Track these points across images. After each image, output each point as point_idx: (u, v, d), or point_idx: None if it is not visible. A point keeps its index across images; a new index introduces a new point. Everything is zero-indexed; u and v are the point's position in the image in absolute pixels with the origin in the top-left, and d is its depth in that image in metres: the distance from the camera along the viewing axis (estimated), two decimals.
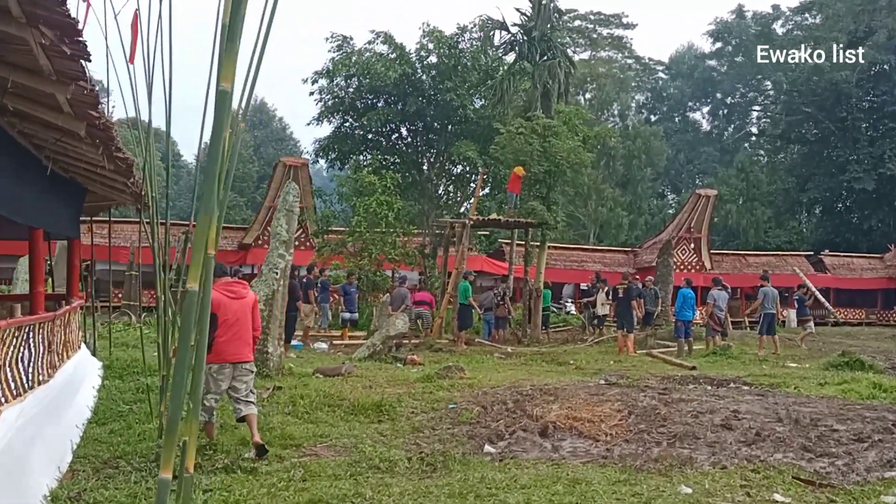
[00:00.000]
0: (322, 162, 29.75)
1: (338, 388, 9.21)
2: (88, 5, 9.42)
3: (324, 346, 16.55)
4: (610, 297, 19.30)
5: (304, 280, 18.07)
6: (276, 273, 10.51)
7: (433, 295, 20.36)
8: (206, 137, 2.98)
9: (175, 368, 2.70)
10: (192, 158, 60.47)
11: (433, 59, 27.30)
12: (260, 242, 30.15)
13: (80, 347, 9.13)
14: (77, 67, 3.91)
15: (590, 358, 15.82)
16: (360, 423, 7.78)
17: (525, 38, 24.28)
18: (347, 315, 19.08)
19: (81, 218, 10.21)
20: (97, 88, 4.50)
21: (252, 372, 6.85)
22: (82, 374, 8.15)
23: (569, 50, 28.52)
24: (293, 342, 16.56)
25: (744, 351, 17.18)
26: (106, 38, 5.92)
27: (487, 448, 6.92)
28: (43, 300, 6.99)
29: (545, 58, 23.66)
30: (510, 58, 26.43)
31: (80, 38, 3.56)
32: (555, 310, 24.51)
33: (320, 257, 22.89)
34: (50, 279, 10.69)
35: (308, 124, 36.72)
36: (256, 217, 31.12)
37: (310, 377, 10.33)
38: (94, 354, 10.19)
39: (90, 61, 3.81)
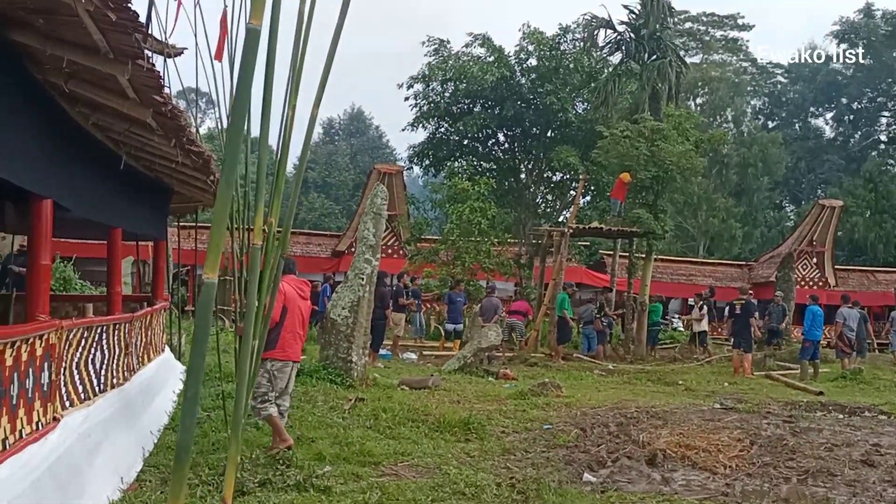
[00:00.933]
0: (417, 169, 29.65)
1: (423, 402, 8.76)
2: (179, 4, 9.36)
3: (413, 356, 16.21)
4: (726, 314, 18.07)
5: (395, 288, 17.78)
6: (363, 279, 10.20)
7: (529, 305, 19.64)
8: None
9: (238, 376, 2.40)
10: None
11: (533, 61, 26.73)
12: (353, 250, 30.23)
13: (163, 350, 9.09)
14: (131, 42, 3.62)
15: (701, 378, 14.77)
16: (446, 441, 7.29)
17: (633, 36, 23.27)
18: (451, 326, 18.01)
19: (170, 219, 10.26)
20: (160, 71, 4.23)
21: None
22: (164, 377, 8.05)
23: (680, 52, 27.16)
24: (381, 351, 16.31)
25: (876, 376, 15.65)
26: (195, 38, 5.72)
27: (587, 476, 6.27)
28: (120, 301, 6.90)
29: (654, 57, 22.60)
30: (616, 58, 25.46)
31: (129, 5, 3.25)
32: (662, 326, 23.28)
33: (412, 265, 22.64)
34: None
35: (403, 130, 36.88)
36: (350, 224, 31.35)
37: (395, 389, 9.94)
38: (179, 358, 10.17)
39: (143, 33, 3.50)
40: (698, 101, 48.67)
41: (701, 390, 12.85)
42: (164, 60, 6.37)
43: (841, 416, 9.73)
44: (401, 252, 26.91)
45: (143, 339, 7.82)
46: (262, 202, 2.56)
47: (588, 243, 32.26)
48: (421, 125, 27.98)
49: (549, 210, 28.68)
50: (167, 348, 9.70)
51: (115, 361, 6.39)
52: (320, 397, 8.72)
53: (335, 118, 63.50)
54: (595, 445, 7.23)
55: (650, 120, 20.16)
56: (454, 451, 6.94)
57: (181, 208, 10.04)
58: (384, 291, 14.21)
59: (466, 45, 27.04)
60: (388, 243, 29.44)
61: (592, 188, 25.96)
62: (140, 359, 7.63)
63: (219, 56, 5.56)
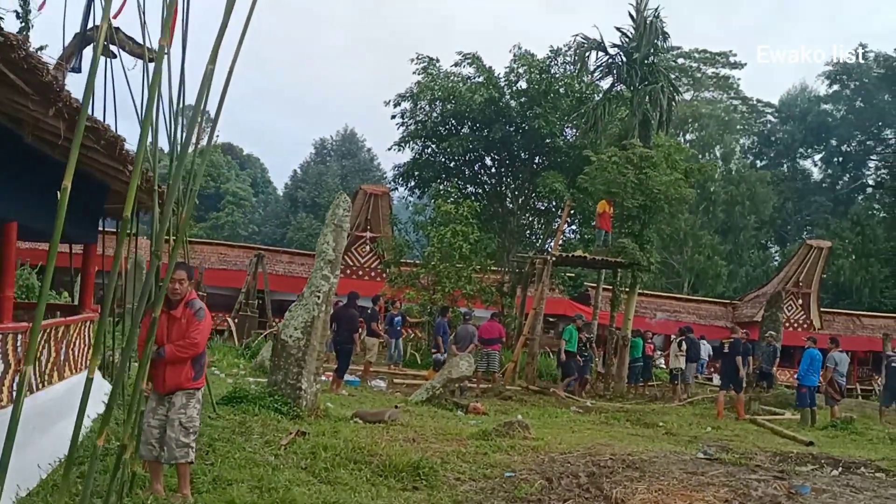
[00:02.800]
0: (402, 189, 28.71)
1: (373, 439, 7.71)
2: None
3: (381, 384, 15.14)
4: (710, 354, 17.12)
5: (370, 311, 16.72)
6: (319, 297, 9.17)
7: (503, 327, 18.31)
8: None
9: None
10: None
11: (523, 84, 25.97)
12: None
13: (84, 368, 7.99)
14: None
15: (682, 421, 13.76)
16: (389, 488, 6.23)
17: (625, 60, 22.53)
18: (442, 357, 16.05)
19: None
20: None
21: None
22: (71, 402, 6.95)
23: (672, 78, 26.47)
24: (348, 377, 15.25)
25: (867, 425, 14.70)
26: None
27: None
28: (11, 308, 5.84)
29: (646, 83, 21.87)
30: (606, 83, 24.72)
31: None
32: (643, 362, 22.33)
33: (392, 288, 21.61)
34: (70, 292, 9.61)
35: (389, 149, 36.04)
36: None
37: (347, 422, 8.88)
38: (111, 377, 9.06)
39: None
40: (688, 136, 48.19)
41: (683, 434, 11.85)
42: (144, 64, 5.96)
43: (836, 473, 8.74)
44: (381, 276, 25.90)
45: (53, 355, 6.76)
46: None
47: (573, 274, 31.38)
48: (407, 145, 27.11)
49: (534, 238, 27.77)
50: (96, 367, 8.59)
51: None
52: (257, 429, 7.65)
53: (327, 139, 62.85)
54: (561, 500, 6.21)
55: (639, 145, 19.39)
56: (397, 501, 5.91)
57: (119, 210, 8.96)
58: (353, 314, 13.18)
59: (456, 64, 26.31)
60: (369, 265, 28.45)
61: (579, 216, 25.08)
62: (45, 376, 6.56)
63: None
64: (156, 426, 5.31)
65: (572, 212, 23.48)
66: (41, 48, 17.33)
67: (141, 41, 5.91)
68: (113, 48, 19.73)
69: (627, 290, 19.92)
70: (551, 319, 27.08)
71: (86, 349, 8.14)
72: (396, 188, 27.91)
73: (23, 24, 16.04)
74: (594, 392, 17.89)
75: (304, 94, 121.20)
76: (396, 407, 11.55)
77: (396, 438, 8.08)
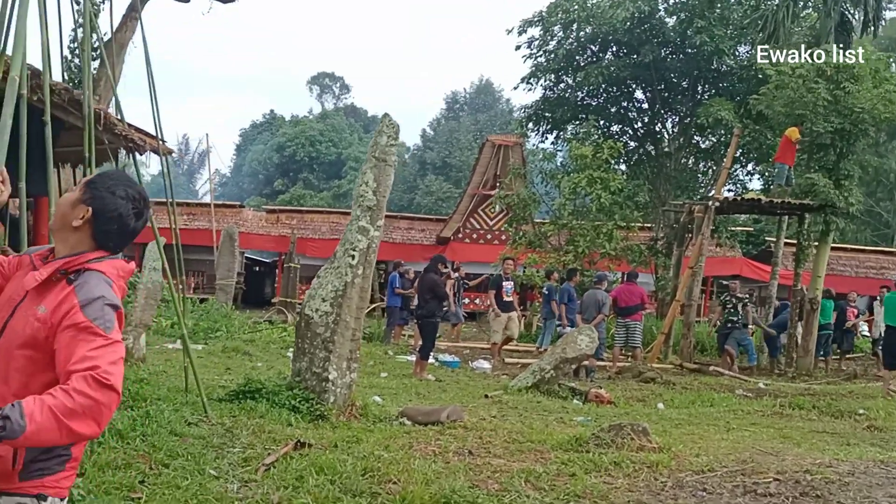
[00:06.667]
0: (532, 138, 26.25)
1: (404, 454, 5.70)
2: None
3: (486, 365, 13.15)
4: None
5: (493, 277, 14.81)
6: (354, 256, 7.22)
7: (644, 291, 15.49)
8: None
9: None
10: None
11: None
12: (461, 236, 27.74)
13: None
14: None
15: (893, 406, 10.74)
16: None
17: None
18: (565, 330, 13.72)
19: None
20: None
21: None
22: None
23: None
24: (448, 358, 13.42)
25: None
26: None
27: None
28: None
29: None
30: None
31: None
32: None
33: (514, 250, 19.46)
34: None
35: (515, 88, 33.45)
36: (457, 207, 28.61)
37: (388, 424, 6.92)
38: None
39: None
40: None
41: (892, 429, 8.93)
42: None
43: None
44: (503, 236, 23.85)
45: None
46: None
47: (751, 228, 27.76)
48: (538, 81, 24.56)
49: (696, 185, 24.42)
50: None
51: None
52: (244, 438, 5.88)
53: (459, 92, 60.99)
54: None
55: (835, 52, 15.93)
56: None
57: (75, 153, 7.43)
58: (434, 280, 11.25)
59: None
60: (498, 228, 26.53)
61: (754, 151, 21.55)
62: None
63: None
64: None
65: (743, 145, 20.08)
66: None
67: None
68: None
69: (818, 240, 16.59)
70: (724, 282, 23.98)
71: None
72: (525, 134, 25.47)
73: None
74: (770, 369, 15.28)
75: (433, 44, 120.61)
76: (487, 396, 9.52)
77: (445, 451, 6.02)
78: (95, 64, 16.87)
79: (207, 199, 33.91)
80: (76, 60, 16.55)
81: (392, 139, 7.64)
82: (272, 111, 65.77)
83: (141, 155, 6.49)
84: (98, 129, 5.29)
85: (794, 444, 7.39)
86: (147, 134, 6.65)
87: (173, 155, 71.13)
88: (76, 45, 15.14)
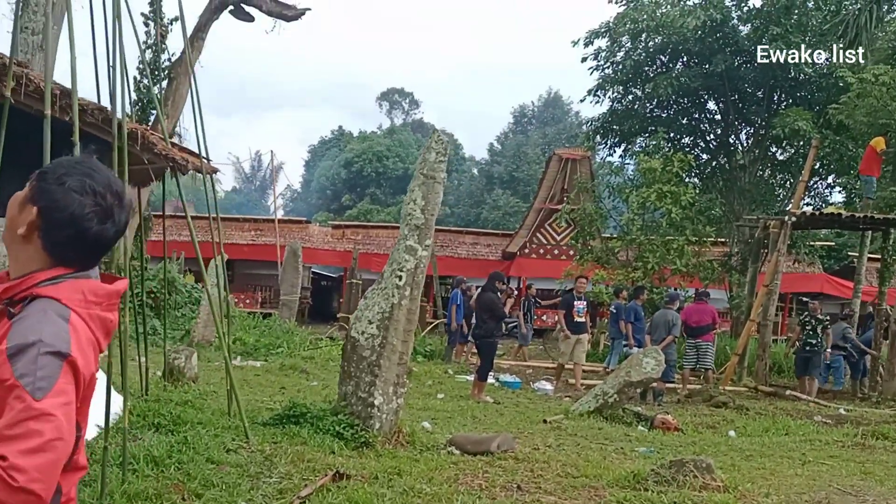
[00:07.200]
0: (600, 151, 25.73)
1: (447, 491, 5.41)
2: None
3: (548, 386, 12.74)
4: None
5: (562, 295, 14.45)
6: (401, 277, 7.01)
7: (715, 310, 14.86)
8: None
9: None
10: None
11: (756, 1, 21.95)
12: (527, 251, 27.36)
13: None
14: None
15: None
16: None
17: None
18: (632, 350, 13.22)
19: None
20: None
21: None
22: None
23: None
24: (508, 378, 13.10)
25: None
26: None
27: None
28: None
29: None
30: None
31: None
32: None
33: (581, 266, 19.00)
34: None
35: (581, 101, 32.89)
36: (524, 222, 28.24)
37: (435, 453, 6.65)
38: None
39: None
40: None
41: None
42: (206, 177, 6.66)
43: None
44: (569, 252, 23.35)
45: None
46: None
47: (832, 242, 26.57)
48: (605, 94, 24.07)
49: (773, 199, 23.45)
50: None
51: None
52: (283, 466, 5.70)
53: (528, 105, 60.70)
54: None
55: None
56: None
57: (139, 173, 7.42)
58: (492, 298, 10.94)
59: None
60: (566, 243, 26.06)
61: (834, 164, 20.56)
62: None
63: None
64: None
65: (822, 156, 19.18)
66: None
67: None
68: (251, 9, 18.35)
69: None
70: (804, 300, 22.95)
71: None
72: (592, 147, 24.96)
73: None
74: (851, 393, 14.48)
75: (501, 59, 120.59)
76: (545, 422, 9.14)
77: (492, 485, 5.72)
78: (163, 84, 17.28)
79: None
80: (144, 81, 16.98)
81: (441, 155, 7.42)
82: (340, 127, 66.81)
83: (184, 175, 6.39)
84: (135, 148, 5.20)
85: (876, 482, 6.81)
86: (191, 152, 6.58)
87: (242, 171, 72.06)
88: (142, 66, 15.51)
